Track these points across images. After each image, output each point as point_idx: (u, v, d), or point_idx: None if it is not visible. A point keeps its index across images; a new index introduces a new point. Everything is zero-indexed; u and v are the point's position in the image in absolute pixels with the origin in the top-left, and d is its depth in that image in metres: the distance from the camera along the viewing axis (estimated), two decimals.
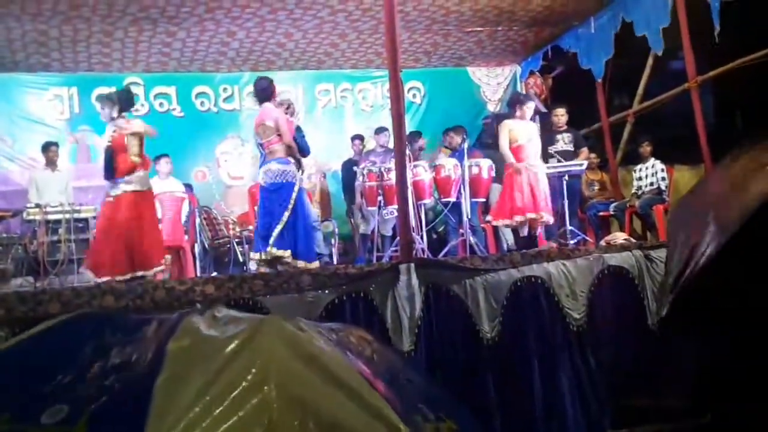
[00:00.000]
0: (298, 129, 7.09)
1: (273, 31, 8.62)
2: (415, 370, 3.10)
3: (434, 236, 8.23)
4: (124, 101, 6.65)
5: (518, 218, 7.14)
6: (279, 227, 6.20)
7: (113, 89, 7.12)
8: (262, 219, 6.42)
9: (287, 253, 6.13)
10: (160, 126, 9.51)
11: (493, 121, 9.96)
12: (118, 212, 6.31)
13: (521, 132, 7.34)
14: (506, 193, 7.30)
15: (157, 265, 6.43)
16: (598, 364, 5.25)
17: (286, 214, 6.21)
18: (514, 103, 7.66)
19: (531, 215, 7.12)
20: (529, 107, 7.54)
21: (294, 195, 6.27)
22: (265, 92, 6.58)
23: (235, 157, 9.95)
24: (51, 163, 8.25)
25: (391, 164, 7.05)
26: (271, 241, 6.16)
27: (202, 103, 9.95)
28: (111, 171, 6.37)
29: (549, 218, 7.28)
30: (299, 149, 6.95)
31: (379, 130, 8.89)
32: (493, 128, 9.76)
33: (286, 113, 6.94)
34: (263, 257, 6.19)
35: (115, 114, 6.50)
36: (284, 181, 6.30)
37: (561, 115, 8.57)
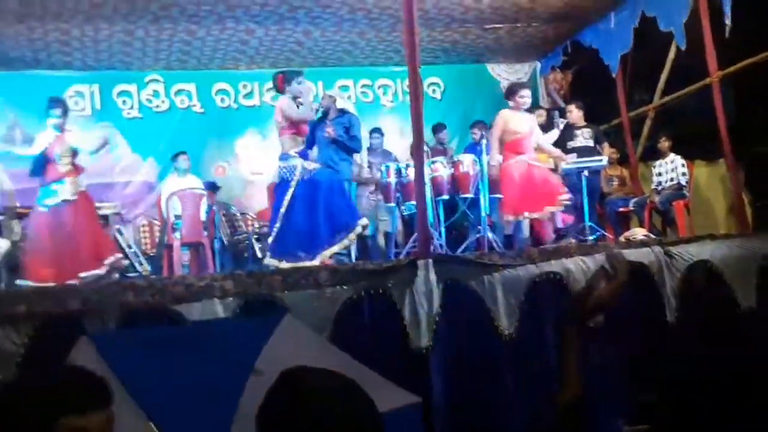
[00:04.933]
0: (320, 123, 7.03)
1: (292, 29, 8.64)
2: None
3: (453, 232, 8.20)
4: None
5: (529, 214, 7.02)
6: (275, 231, 6.11)
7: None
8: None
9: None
10: (181, 122, 9.69)
11: None
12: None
13: (520, 123, 7.14)
14: (511, 185, 7.11)
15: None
16: (616, 361, 5.24)
17: (281, 213, 6.11)
18: (509, 93, 7.43)
19: (550, 208, 7.02)
20: (525, 96, 7.26)
21: (289, 194, 6.16)
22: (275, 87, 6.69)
23: (256, 153, 9.95)
24: None
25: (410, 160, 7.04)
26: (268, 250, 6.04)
27: (222, 100, 9.98)
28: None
29: (568, 198, 7.12)
30: (345, 149, 6.99)
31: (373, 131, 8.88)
32: None
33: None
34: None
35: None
36: (281, 179, 6.29)
37: (571, 111, 8.49)
